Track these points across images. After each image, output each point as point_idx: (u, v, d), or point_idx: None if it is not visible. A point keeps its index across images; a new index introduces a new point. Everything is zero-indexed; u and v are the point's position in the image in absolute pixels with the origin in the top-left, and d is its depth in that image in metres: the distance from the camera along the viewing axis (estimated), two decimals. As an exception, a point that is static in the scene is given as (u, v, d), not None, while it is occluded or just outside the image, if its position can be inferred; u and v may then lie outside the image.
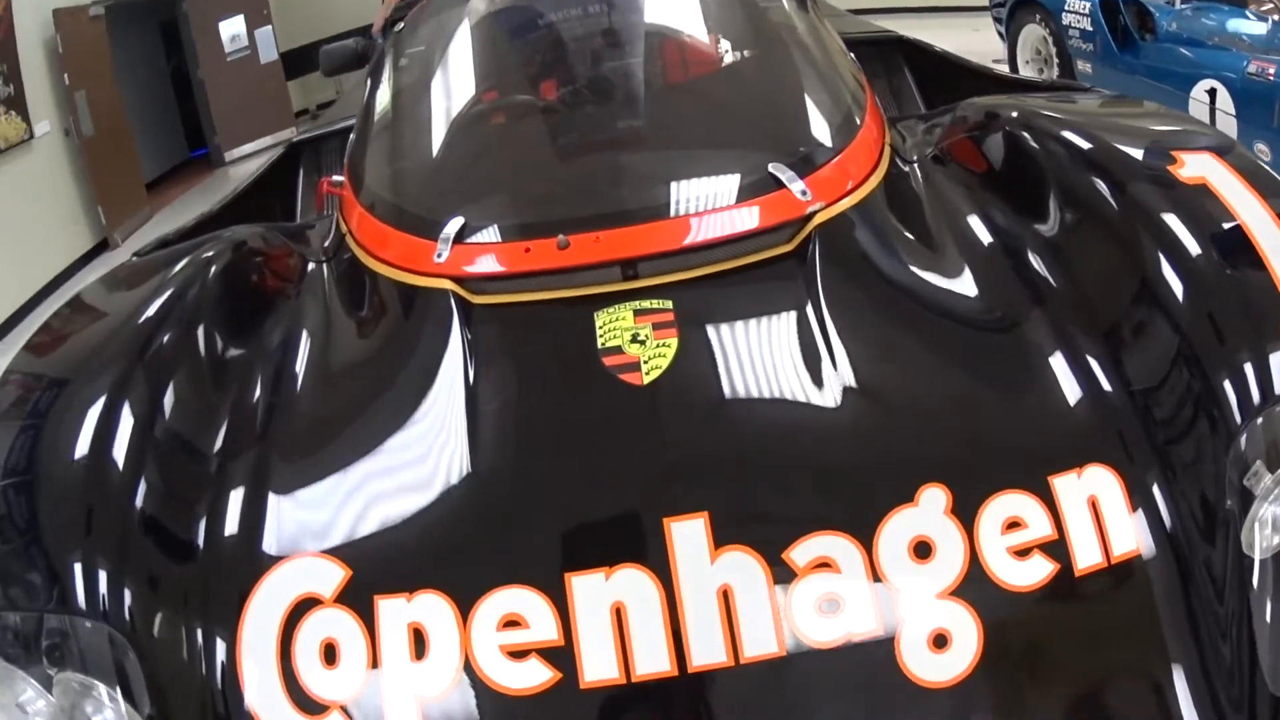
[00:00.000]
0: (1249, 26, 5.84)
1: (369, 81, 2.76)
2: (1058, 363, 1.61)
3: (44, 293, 8.29)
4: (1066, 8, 7.07)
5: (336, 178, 2.41)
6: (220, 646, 1.46)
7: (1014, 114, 1.99)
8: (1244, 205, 1.63)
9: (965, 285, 1.80)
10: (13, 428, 1.61)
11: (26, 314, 7.86)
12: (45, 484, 1.53)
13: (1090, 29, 6.85)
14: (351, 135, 2.53)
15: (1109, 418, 1.55)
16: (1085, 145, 1.81)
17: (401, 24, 2.85)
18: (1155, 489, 1.48)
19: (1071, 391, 1.58)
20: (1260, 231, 1.58)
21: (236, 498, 1.59)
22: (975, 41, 8.81)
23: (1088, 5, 6.87)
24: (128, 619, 1.43)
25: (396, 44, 2.75)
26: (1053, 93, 2.63)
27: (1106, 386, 1.57)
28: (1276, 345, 1.47)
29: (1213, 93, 5.67)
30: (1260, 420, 1.43)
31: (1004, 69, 6.97)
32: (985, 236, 1.88)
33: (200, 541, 1.55)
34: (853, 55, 2.57)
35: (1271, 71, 5.16)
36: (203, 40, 11.82)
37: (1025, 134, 1.91)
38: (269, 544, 1.54)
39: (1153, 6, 6.65)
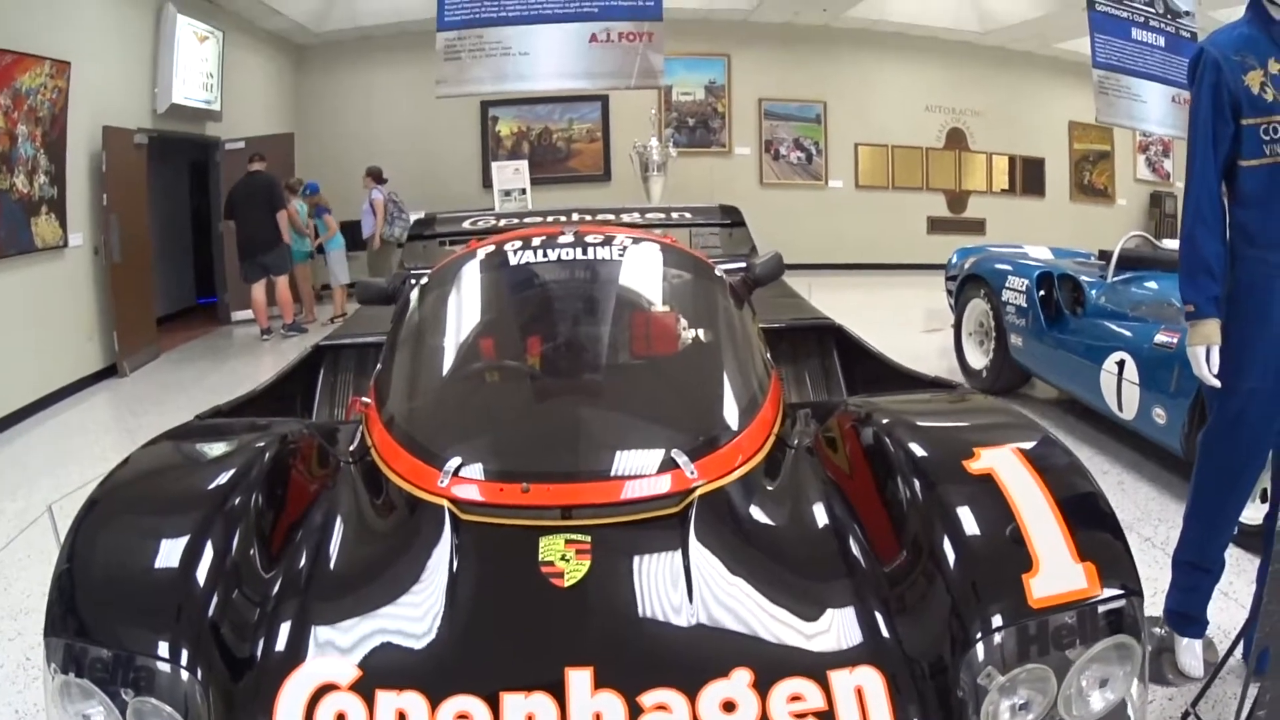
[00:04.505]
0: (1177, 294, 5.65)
1: (394, 321, 3.50)
2: (850, 611, 2.20)
3: (54, 397, 8.29)
4: (1007, 285, 7.02)
5: (365, 399, 3.09)
6: (266, 701, 2.03)
7: (884, 420, 2.58)
8: (1024, 492, 2.22)
9: (800, 551, 2.41)
10: (123, 531, 2.27)
11: (32, 413, 7.87)
12: (147, 579, 2.13)
13: (1025, 305, 6.75)
14: (378, 365, 3.29)
15: (881, 642, 2.12)
16: (921, 454, 2.40)
17: (425, 278, 3.60)
18: (909, 684, 2.04)
19: (858, 627, 2.16)
20: (1030, 515, 2.16)
21: (285, 628, 2.17)
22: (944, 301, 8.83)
23: (1025, 283, 6.80)
24: (200, 677, 2.01)
25: (419, 295, 3.49)
26: (932, 390, 3.39)
27: (885, 633, 2.14)
28: (1016, 594, 2.03)
29: (1121, 364, 5.49)
30: (997, 638, 2.00)
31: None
32: (823, 519, 2.49)
33: (258, 651, 2.12)
34: (767, 356, 3.31)
35: (1175, 341, 4.95)
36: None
37: (887, 439, 2.48)
38: (309, 652, 2.13)
39: (1086, 279, 6.56)
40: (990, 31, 16.23)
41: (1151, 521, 4.73)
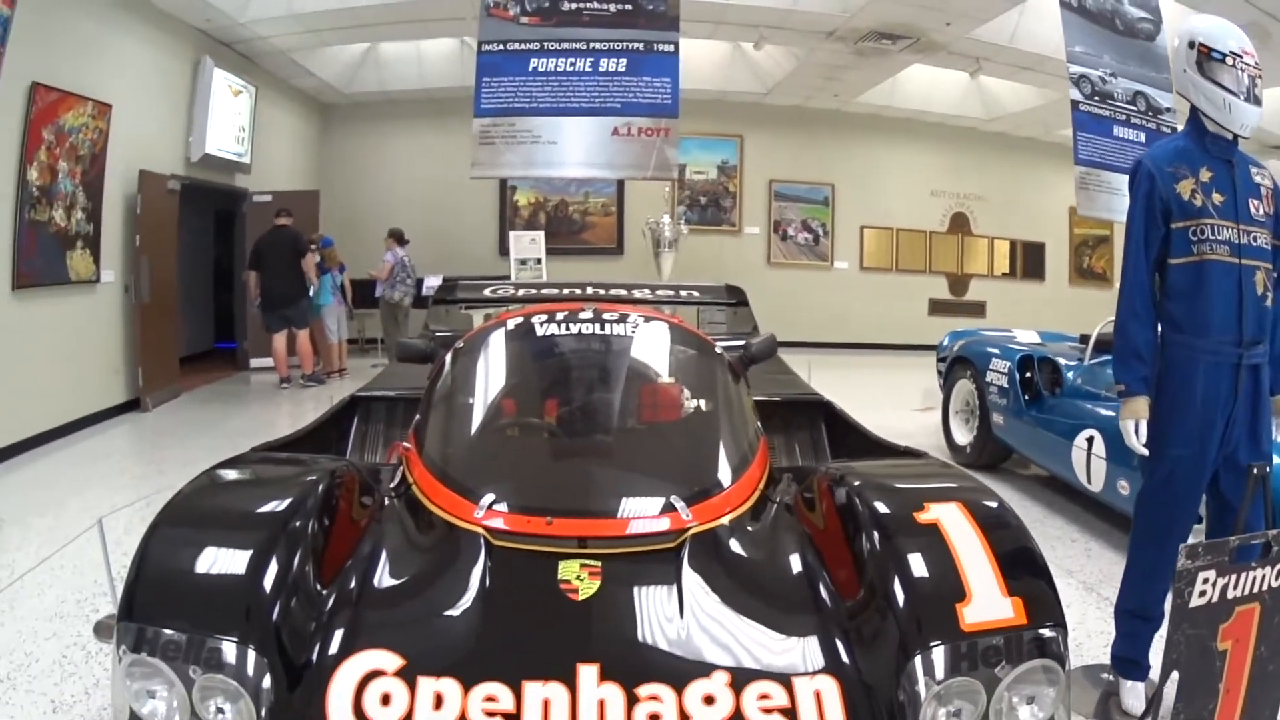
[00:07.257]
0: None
1: (432, 377, 3.99)
2: (815, 637, 2.59)
3: (79, 424, 8.71)
4: (991, 367, 7.42)
5: (406, 444, 3.55)
6: (321, 683, 2.39)
7: (856, 482, 2.98)
8: (963, 539, 2.63)
9: (774, 585, 2.84)
10: (195, 540, 2.57)
11: (58, 437, 8.31)
12: (217, 582, 2.48)
13: (1006, 386, 7.13)
14: (416, 415, 3.75)
15: (839, 660, 2.51)
16: (883, 510, 2.80)
17: (461, 342, 4.08)
18: (860, 692, 2.42)
19: (819, 648, 2.55)
20: (966, 556, 2.57)
21: (339, 632, 2.54)
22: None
23: (1007, 365, 7.19)
24: (264, 660, 2.35)
25: (454, 357, 3.98)
26: (904, 458, 3.85)
27: (844, 656, 2.53)
28: (950, 619, 2.43)
29: (1091, 440, 5.88)
30: (932, 653, 2.38)
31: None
32: (796, 564, 2.91)
33: (314, 652, 2.47)
34: (758, 425, 3.78)
35: (1140, 419, 5.20)
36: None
37: (856, 499, 2.88)
38: (359, 646, 2.49)
39: (1065, 362, 6.96)
40: (994, 119, 16.78)
41: (1113, 584, 5.00)
